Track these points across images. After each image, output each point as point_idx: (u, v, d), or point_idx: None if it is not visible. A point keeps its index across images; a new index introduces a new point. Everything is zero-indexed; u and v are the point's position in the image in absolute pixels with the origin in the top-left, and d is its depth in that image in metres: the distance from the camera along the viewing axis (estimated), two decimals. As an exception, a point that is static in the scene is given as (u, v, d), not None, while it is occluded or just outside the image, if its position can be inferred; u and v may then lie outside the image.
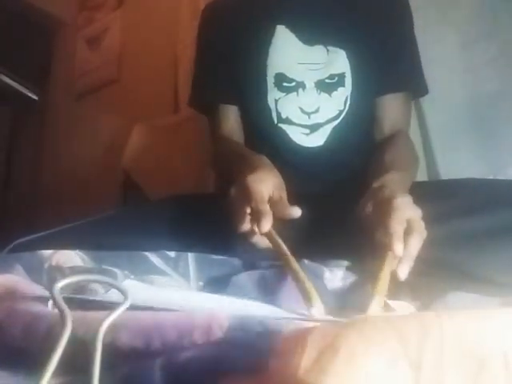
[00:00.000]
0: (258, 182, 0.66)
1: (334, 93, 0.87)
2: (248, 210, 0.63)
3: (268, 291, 0.57)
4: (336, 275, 0.60)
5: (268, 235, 0.62)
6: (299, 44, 0.88)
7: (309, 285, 0.50)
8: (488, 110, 1.03)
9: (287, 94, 0.87)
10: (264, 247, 0.63)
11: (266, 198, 0.64)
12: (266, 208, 0.62)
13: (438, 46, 1.02)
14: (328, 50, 0.87)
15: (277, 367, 0.27)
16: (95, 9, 2.30)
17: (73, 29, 2.36)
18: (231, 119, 0.96)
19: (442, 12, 1.10)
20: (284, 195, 0.68)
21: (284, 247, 0.59)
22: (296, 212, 0.62)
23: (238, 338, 0.29)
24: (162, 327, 0.32)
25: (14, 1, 2.21)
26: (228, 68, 0.95)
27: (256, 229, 0.61)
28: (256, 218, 0.61)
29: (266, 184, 0.66)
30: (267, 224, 0.60)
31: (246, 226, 0.63)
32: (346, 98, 0.88)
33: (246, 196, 0.64)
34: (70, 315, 0.32)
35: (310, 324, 0.28)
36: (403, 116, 0.91)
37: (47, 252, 0.52)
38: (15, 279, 0.46)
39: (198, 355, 0.29)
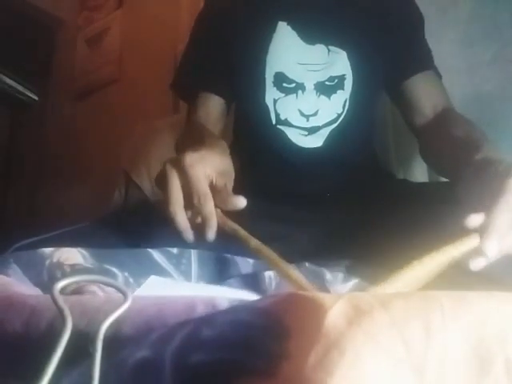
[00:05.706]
0: (197, 162, 0.56)
1: (333, 95, 0.84)
2: (182, 195, 0.55)
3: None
4: (337, 276, 0.59)
5: (221, 224, 0.54)
6: (300, 42, 0.85)
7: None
8: (488, 110, 1.03)
9: (286, 95, 0.84)
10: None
11: (205, 185, 0.55)
12: (208, 208, 0.54)
13: (437, 45, 1.02)
14: (329, 50, 0.84)
15: (280, 368, 0.27)
16: (95, 9, 2.30)
17: (73, 29, 2.36)
18: (209, 107, 0.91)
19: (442, 11, 1.11)
20: (230, 185, 0.60)
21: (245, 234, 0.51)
22: (241, 202, 0.53)
23: (240, 335, 0.29)
24: (163, 316, 0.32)
25: (15, 1, 2.21)
26: (219, 58, 0.91)
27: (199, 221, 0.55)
28: (201, 219, 0.55)
29: (205, 165, 0.57)
30: (211, 230, 0.54)
31: (183, 217, 0.56)
32: (345, 101, 0.85)
33: (183, 179, 0.56)
34: (70, 316, 0.32)
35: (314, 322, 0.28)
36: (441, 93, 0.86)
37: (48, 249, 0.52)
38: (6, 280, 0.46)
39: (208, 358, 0.29)
